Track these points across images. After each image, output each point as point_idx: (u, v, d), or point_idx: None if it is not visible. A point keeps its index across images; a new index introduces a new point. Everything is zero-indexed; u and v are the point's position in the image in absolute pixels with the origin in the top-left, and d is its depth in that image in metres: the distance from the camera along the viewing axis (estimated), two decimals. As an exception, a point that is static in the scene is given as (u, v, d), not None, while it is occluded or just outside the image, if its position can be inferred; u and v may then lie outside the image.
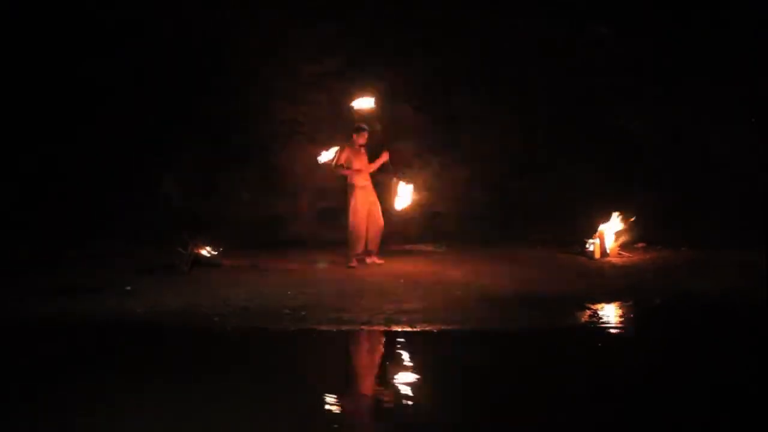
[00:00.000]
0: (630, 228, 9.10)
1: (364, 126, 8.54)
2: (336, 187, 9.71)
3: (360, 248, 8.48)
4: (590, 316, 6.26)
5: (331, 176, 9.08)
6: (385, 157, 8.53)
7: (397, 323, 6.02)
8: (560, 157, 10.12)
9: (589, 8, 10.01)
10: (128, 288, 7.33)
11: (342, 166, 8.44)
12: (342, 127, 9.92)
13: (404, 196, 8.55)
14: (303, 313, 6.34)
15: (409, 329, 5.89)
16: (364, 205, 8.44)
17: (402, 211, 8.71)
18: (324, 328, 5.96)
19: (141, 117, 10.03)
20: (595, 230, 8.96)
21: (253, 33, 10.27)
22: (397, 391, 4.55)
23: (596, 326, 6.00)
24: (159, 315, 6.39)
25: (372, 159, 8.55)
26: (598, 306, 6.55)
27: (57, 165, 9.86)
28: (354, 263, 8.45)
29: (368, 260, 8.55)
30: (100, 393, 4.44)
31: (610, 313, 6.43)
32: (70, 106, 9.81)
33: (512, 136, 10.16)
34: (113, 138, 9.98)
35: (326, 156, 8.54)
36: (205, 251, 8.68)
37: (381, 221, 8.52)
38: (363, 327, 5.98)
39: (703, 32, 9.63)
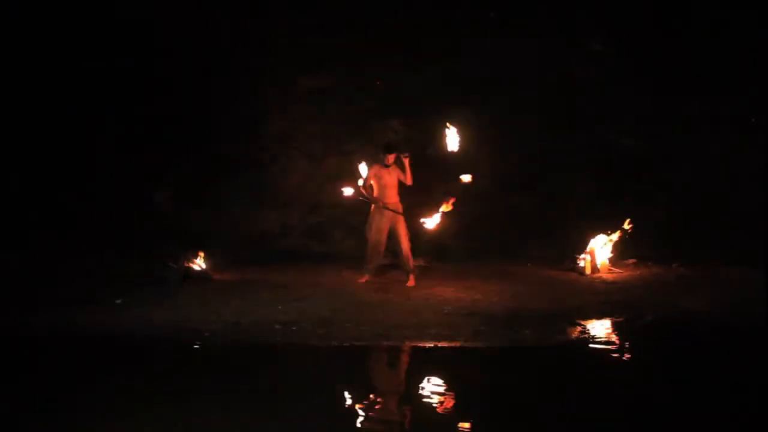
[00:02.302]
0: (621, 244, 9.13)
1: (394, 145, 8.37)
2: (326, 202, 9.73)
3: (373, 265, 8.33)
4: (581, 332, 6.27)
5: (331, 193, 9.05)
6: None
7: (388, 339, 6.01)
8: (552, 172, 10.16)
9: (583, 24, 10.09)
10: (119, 301, 7.31)
11: (369, 186, 8.15)
12: (332, 139, 10.02)
13: (437, 217, 8.17)
14: (294, 328, 6.32)
15: (399, 345, 5.88)
16: (385, 223, 8.16)
17: (432, 229, 8.31)
18: (315, 343, 5.95)
19: (133, 130, 10.02)
20: (587, 246, 8.99)
21: (246, 46, 10.30)
22: (386, 407, 4.54)
23: (587, 342, 6.00)
24: (149, 329, 6.35)
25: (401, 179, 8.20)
26: (589, 322, 6.56)
27: (48, 178, 9.83)
28: (364, 278, 8.35)
29: (410, 282, 8.27)
30: (89, 406, 4.42)
31: (601, 330, 6.43)
32: (59, 120, 9.79)
33: (504, 151, 10.19)
34: (105, 151, 9.97)
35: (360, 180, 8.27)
36: (196, 265, 8.66)
37: (407, 237, 8.22)
38: (353, 342, 5.97)
39: (697, 46, 9.70)
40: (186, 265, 8.52)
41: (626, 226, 9.03)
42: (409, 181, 8.19)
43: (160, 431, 4.05)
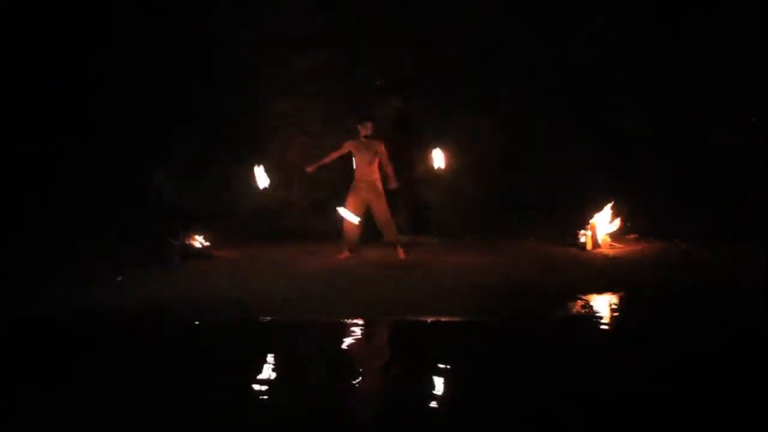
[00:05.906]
0: (622, 219, 9.12)
1: (369, 117, 8.41)
2: (327, 178, 9.69)
3: (350, 241, 8.38)
4: (582, 306, 6.27)
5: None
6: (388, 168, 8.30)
7: (389, 314, 6.02)
8: (553, 149, 10.11)
9: (584, 2, 10.01)
10: (119, 279, 7.31)
11: (330, 159, 8.35)
12: (332, 116, 9.96)
13: (438, 159, 8.31)
14: (295, 304, 6.32)
15: (400, 319, 5.89)
16: (360, 199, 8.26)
17: (439, 170, 8.44)
18: (316, 319, 5.95)
19: (131, 110, 9.97)
20: (588, 222, 8.97)
21: (245, 24, 10.22)
22: (388, 383, 4.55)
23: (588, 317, 6.00)
24: (150, 307, 6.36)
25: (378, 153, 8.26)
26: (590, 297, 6.56)
27: (46, 160, 9.78)
28: (343, 255, 8.39)
29: (399, 255, 8.33)
30: (91, 384, 4.43)
31: (602, 304, 6.44)
32: (59, 101, 9.72)
33: (506, 128, 10.14)
34: (103, 132, 9.92)
35: (261, 180, 8.48)
36: (197, 243, 8.66)
37: (386, 214, 8.28)
38: (355, 318, 5.97)
39: (701, 25, 9.62)
40: (186, 242, 8.53)
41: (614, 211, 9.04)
42: (388, 167, 8.25)
43: (160, 409, 4.05)
